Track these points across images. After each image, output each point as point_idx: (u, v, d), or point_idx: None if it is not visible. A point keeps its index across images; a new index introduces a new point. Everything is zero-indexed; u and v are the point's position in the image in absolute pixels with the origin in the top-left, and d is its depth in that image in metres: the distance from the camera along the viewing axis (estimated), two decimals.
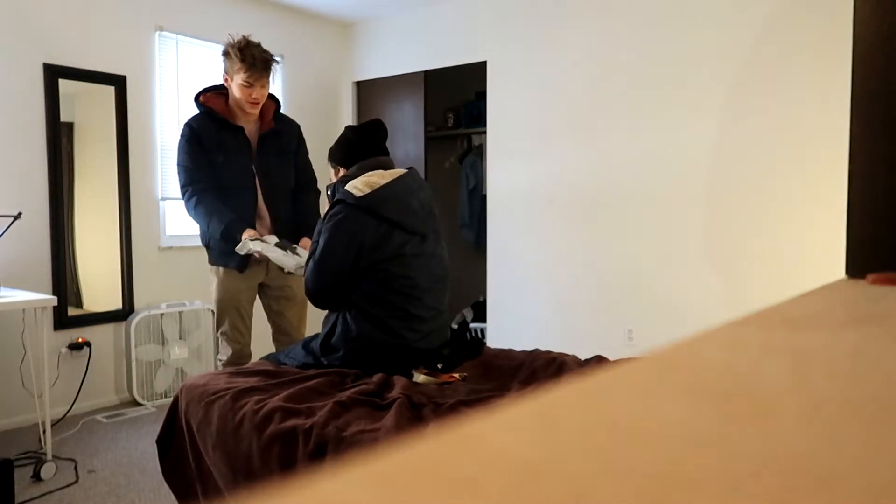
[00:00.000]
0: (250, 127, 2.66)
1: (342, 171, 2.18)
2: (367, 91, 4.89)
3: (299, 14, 4.61)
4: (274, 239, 2.48)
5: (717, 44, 3.38)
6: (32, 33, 3.36)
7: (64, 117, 3.51)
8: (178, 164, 2.61)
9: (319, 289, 2.06)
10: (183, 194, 2.61)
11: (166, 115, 3.91)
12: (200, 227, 2.65)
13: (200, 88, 2.67)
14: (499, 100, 4.18)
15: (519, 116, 4.09)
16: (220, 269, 2.68)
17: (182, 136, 2.60)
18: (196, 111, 2.64)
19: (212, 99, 2.61)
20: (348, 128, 2.25)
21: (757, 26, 3.26)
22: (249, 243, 2.43)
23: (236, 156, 2.61)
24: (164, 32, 3.87)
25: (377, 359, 2.02)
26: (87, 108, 3.67)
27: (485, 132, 4.41)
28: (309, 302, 2.19)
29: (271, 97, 2.72)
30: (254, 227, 2.62)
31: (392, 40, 4.69)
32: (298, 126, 2.83)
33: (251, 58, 2.48)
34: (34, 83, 3.38)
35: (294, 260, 2.42)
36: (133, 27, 3.75)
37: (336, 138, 2.28)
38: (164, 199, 3.92)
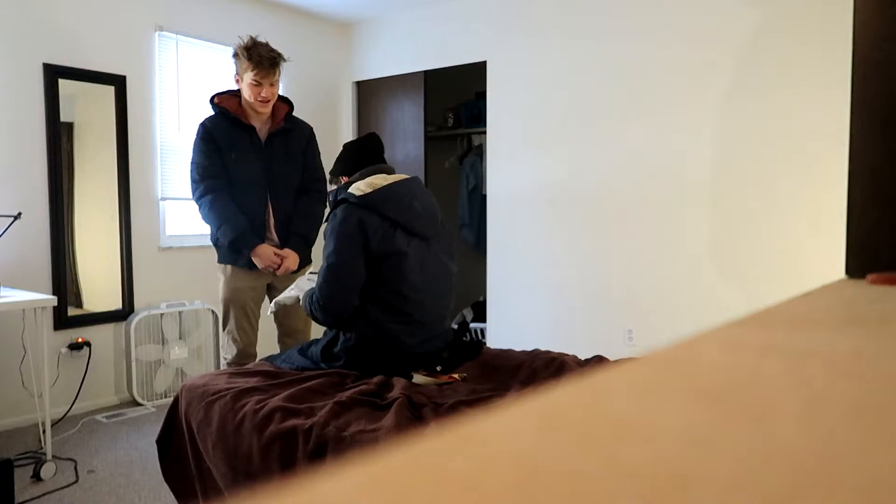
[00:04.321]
0: (262, 126, 2.70)
1: (344, 180, 2.19)
2: (367, 91, 4.89)
3: (299, 14, 4.61)
4: (302, 284, 2.35)
5: (719, 44, 3.38)
6: (32, 33, 3.36)
7: (64, 117, 3.51)
8: (192, 162, 2.66)
9: (334, 296, 1.98)
10: (194, 191, 2.64)
11: (166, 115, 3.91)
12: (210, 227, 2.67)
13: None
14: (499, 100, 4.18)
15: (519, 116, 4.09)
16: (228, 267, 2.70)
17: (197, 134, 2.65)
18: (209, 113, 2.70)
19: (226, 100, 2.67)
20: (347, 144, 2.29)
21: (758, 26, 3.26)
22: (285, 299, 2.34)
23: (248, 154, 2.65)
24: (164, 32, 3.87)
25: (378, 363, 2.02)
26: (87, 108, 3.67)
27: (485, 132, 4.41)
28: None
29: (285, 100, 2.76)
30: (263, 234, 2.65)
31: (392, 40, 4.69)
32: (310, 128, 2.86)
33: (258, 56, 2.54)
34: (34, 83, 3.38)
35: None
36: (133, 27, 3.75)
37: (335, 142, 2.31)
38: (164, 199, 3.92)
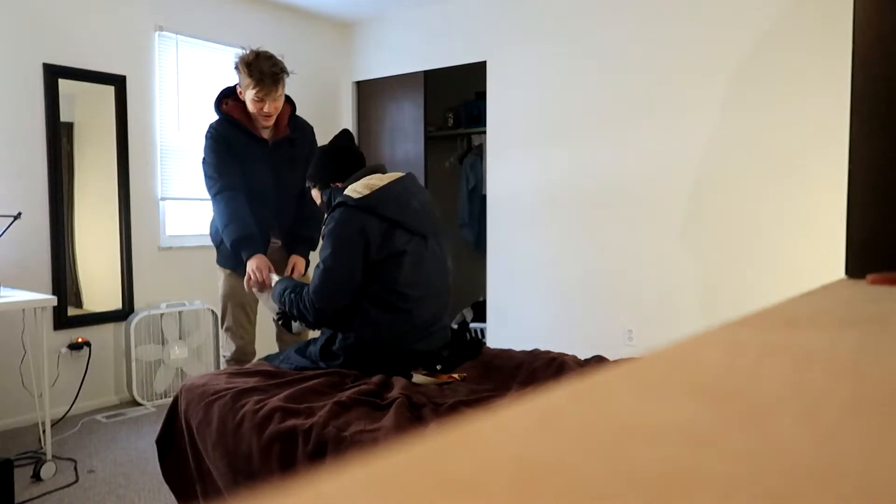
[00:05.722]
0: (268, 133, 2.67)
1: (338, 186, 2.16)
2: (367, 91, 4.89)
3: (299, 14, 4.61)
4: (276, 278, 2.38)
5: (718, 44, 3.38)
6: (32, 33, 3.36)
7: (64, 117, 3.51)
8: (204, 162, 2.61)
9: (328, 298, 1.99)
10: (210, 189, 2.60)
11: (166, 115, 3.91)
12: (213, 226, 2.65)
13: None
14: (499, 100, 4.18)
15: (519, 116, 4.09)
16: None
17: (208, 136, 2.60)
18: (216, 116, 2.65)
19: (234, 108, 2.61)
20: (326, 149, 2.24)
21: (757, 26, 3.26)
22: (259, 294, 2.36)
23: (254, 163, 2.62)
24: (163, 32, 3.87)
25: (377, 362, 2.02)
26: (87, 108, 3.67)
27: (485, 132, 4.41)
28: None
29: (287, 100, 2.71)
30: (268, 240, 2.63)
31: (392, 40, 4.69)
32: (312, 130, 2.82)
33: (259, 73, 2.46)
34: (34, 83, 3.38)
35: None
36: (133, 27, 3.75)
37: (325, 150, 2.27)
38: (163, 199, 3.92)
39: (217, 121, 2.63)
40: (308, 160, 2.71)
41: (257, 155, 2.62)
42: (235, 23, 4.17)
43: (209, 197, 2.63)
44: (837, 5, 3.01)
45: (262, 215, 2.62)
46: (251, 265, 2.45)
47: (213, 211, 2.63)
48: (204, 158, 2.62)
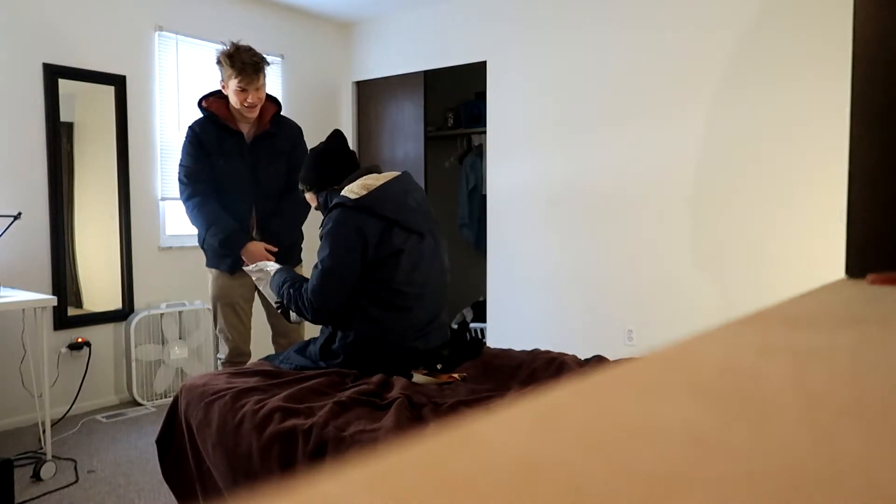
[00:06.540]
0: (249, 129, 2.68)
1: (335, 189, 2.16)
2: (367, 91, 4.89)
3: (299, 14, 4.61)
4: (275, 266, 2.39)
5: (717, 43, 3.38)
6: (32, 33, 3.36)
7: (64, 117, 3.51)
8: (180, 164, 2.67)
9: (326, 298, 2.01)
10: (181, 193, 2.66)
11: (166, 115, 3.91)
12: (198, 230, 2.67)
13: (203, 92, 2.72)
14: (499, 100, 4.18)
15: (519, 116, 4.09)
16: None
17: (186, 138, 2.65)
18: (199, 115, 2.68)
19: (214, 103, 2.65)
20: (318, 152, 2.22)
21: (758, 26, 3.26)
22: (253, 271, 2.39)
23: (234, 159, 2.64)
24: (163, 32, 3.87)
25: (377, 361, 2.02)
26: (87, 107, 3.67)
27: (485, 132, 4.41)
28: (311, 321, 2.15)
29: (272, 100, 2.73)
30: (250, 234, 2.64)
31: (392, 40, 4.69)
32: (298, 129, 2.81)
33: (241, 63, 2.51)
34: (34, 83, 3.38)
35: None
36: (133, 27, 3.75)
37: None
38: (163, 199, 3.92)
39: (196, 121, 2.67)
40: (291, 158, 2.71)
41: (233, 150, 2.64)
42: (235, 23, 4.17)
43: (181, 200, 2.68)
44: (837, 4, 3.01)
45: (238, 212, 2.64)
46: (249, 258, 2.57)
47: (188, 216, 2.67)
48: (180, 161, 2.67)
